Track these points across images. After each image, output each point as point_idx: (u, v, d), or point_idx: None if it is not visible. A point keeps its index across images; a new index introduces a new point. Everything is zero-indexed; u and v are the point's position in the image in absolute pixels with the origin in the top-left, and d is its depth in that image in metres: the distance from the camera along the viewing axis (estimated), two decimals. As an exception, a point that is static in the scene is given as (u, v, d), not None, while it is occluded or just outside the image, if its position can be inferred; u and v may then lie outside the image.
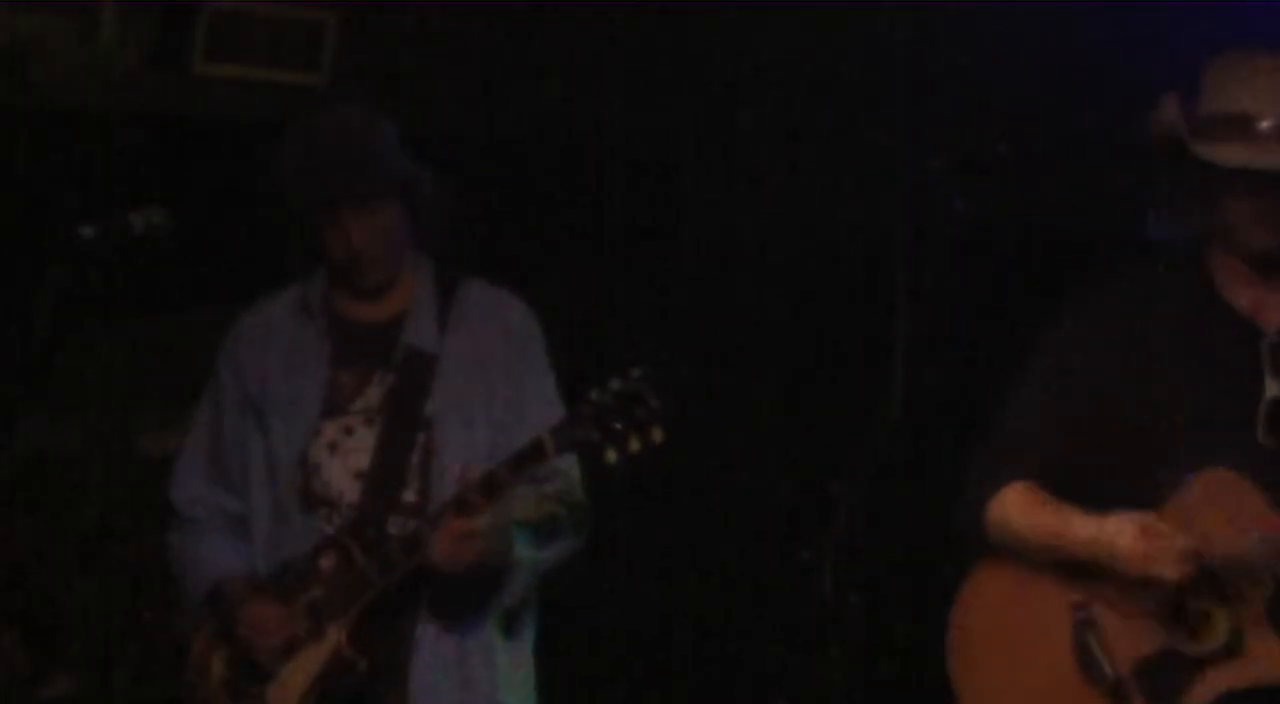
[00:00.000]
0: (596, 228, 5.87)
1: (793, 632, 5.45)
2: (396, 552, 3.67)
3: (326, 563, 3.74)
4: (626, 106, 5.78)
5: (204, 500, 3.97)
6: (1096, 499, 3.27)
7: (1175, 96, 3.25)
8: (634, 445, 3.46)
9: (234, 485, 3.94)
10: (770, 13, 5.56)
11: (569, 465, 3.81)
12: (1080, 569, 3.25)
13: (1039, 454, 3.33)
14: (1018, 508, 3.33)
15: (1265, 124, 3.15)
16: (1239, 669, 3.11)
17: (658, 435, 3.46)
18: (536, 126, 5.71)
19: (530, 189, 5.66)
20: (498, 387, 3.83)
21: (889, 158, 5.41)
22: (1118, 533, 3.18)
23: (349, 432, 3.81)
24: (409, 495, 3.78)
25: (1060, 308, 3.43)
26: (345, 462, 3.80)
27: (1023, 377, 3.41)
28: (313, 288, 3.92)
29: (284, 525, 3.83)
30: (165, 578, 5.59)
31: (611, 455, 3.47)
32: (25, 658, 5.41)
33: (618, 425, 3.45)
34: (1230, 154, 3.14)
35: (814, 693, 5.20)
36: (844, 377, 5.63)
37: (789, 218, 5.78)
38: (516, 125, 5.62)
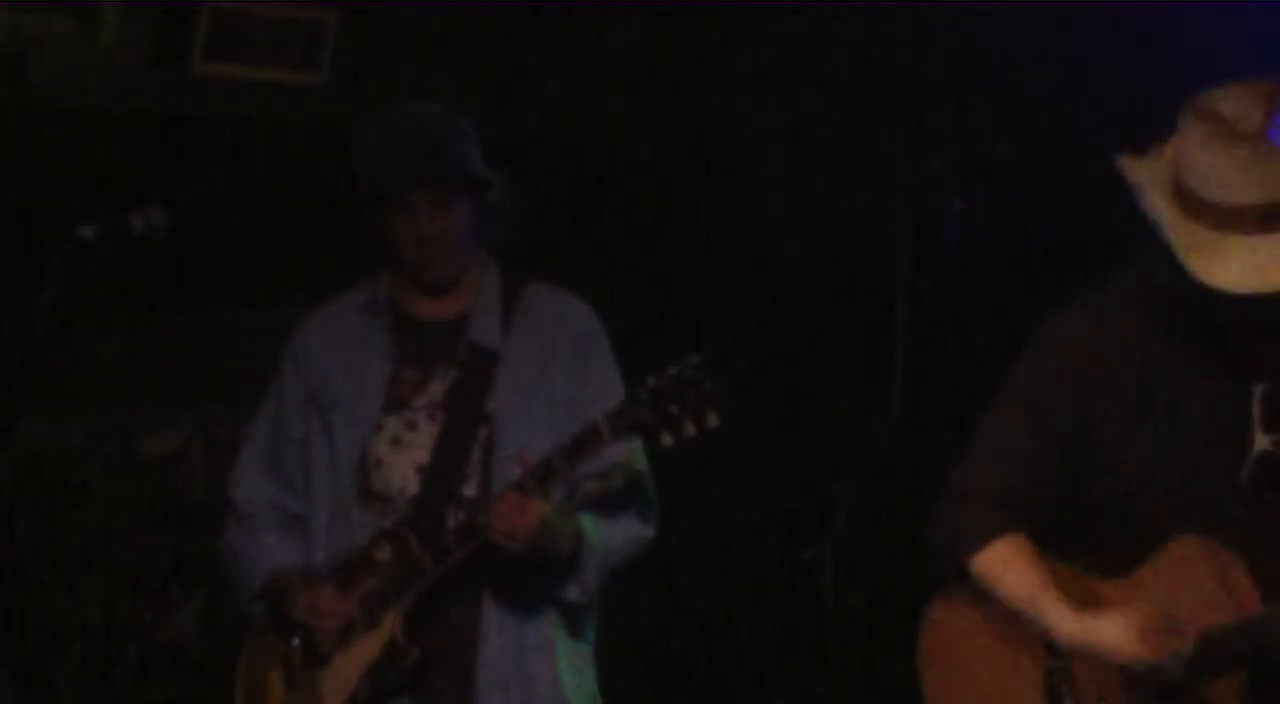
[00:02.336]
0: (596, 228, 5.87)
1: (793, 632, 5.45)
2: (453, 539, 3.68)
3: (382, 554, 3.76)
4: (626, 106, 5.78)
5: (261, 497, 3.99)
6: (1068, 534, 3.19)
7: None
8: (689, 429, 3.50)
9: (293, 482, 3.95)
10: (770, 13, 5.56)
11: (633, 458, 3.83)
12: None
13: (1020, 484, 3.21)
14: (1003, 570, 3.21)
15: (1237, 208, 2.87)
16: None
17: (713, 420, 3.50)
18: (537, 126, 5.72)
19: (529, 189, 5.66)
20: (559, 387, 3.85)
21: (889, 158, 5.41)
22: (1112, 638, 3.06)
23: (412, 426, 3.84)
24: (469, 490, 3.79)
25: (1052, 318, 3.27)
26: (407, 455, 3.82)
27: (1007, 391, 3.28)
28: (380, 286, 3.95)
29: (342, 521, 3.85)
30: (165, 578, 5.62)
31: (667, 439, 3.52)
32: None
33: (673, 409, 3.49)
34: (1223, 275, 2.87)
35: (814, 693, 5.20)
36: (844, 377, 5.63)
37: (789, 218, 5.78)
38: (516, 125, 5.62)
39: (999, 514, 3.23)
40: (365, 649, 3.76)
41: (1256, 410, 3.02)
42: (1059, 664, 3.17)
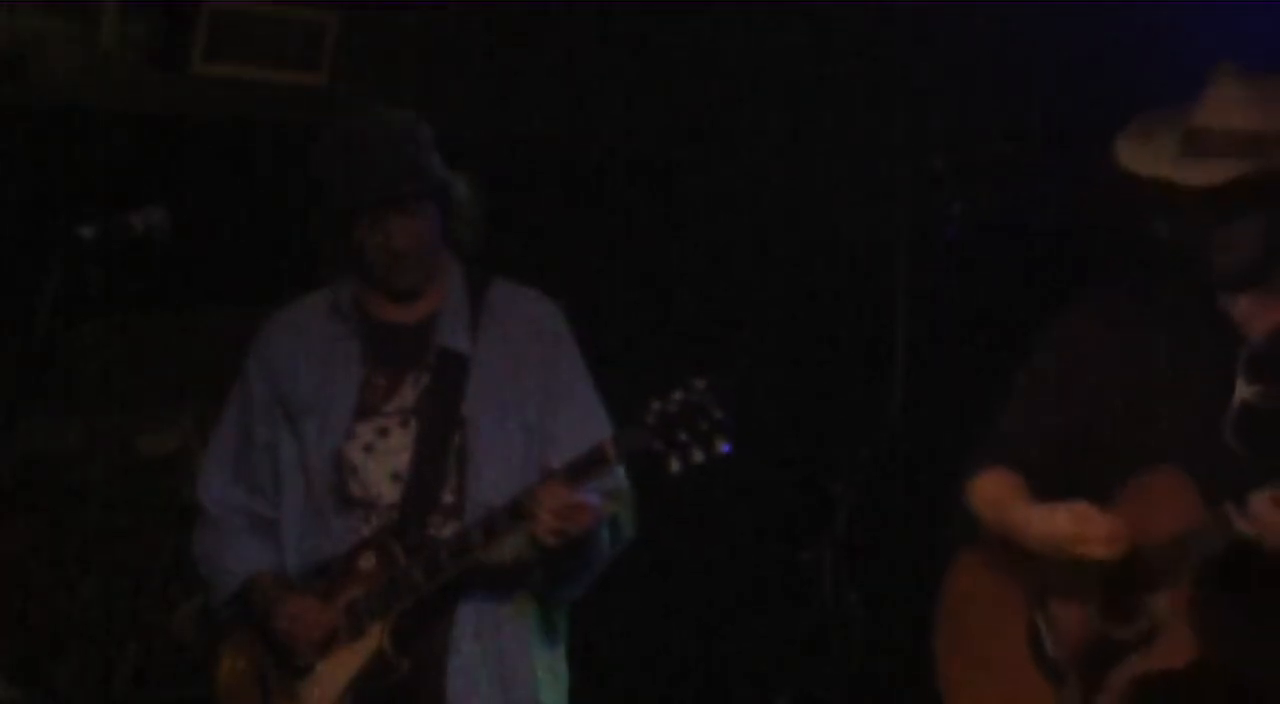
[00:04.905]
0: (596, 228, 5.87)
1: (793, 632, 5.45)
2: (445, 556, 3.67)
3: (366, 563, 3.75)
4: (626, 106, 5.78)
5: (230, 501, 3.97)
6: (1071, 487, 3.35)
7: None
8: (698, 457, 3.49)
9: (261, 487, 3.94)
10: (770, 12, 5.56)
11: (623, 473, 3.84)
12: (1039, 557, 3.34)
13: (1025, 460, 3.41)
14: (986, 499, 3.45)
15: (1189, 129, 3.19)
16: (1148, 657, 3.18)
17: (721, 447, 3.49)
18: (537, 126, 5.71)
19: (530, 189, 5.66)
20: (530, 387, 3.84)
21: (889, 158, 5.41)
22: (1053, 518, 3.26)
23: (384, 433, 3.82)
24: (447, 496, 3.78)
25: (1061, 312, 3.47)
26: (382, 462, 3.80)
27: (1018, 381, 3.48)
28: (343, 290, 3.93)
29: (319, 526, 3.83)
30: (165, 578, 5.61)
31: (674, 465, 3.50)
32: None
33: (682, 436, 3.48)
34: (1132, 157, 3.21)
35: (814, 693, 5.20)
36: (844, 376, 5.63)
37: (789, 218, 5.78)
38: (516, 125, 5.62)
39: (997, 457, 3.46)
40: (350, 659, 3.74)
41: (1242, 363, 3.22)
42: (1040, 599, 3.35)
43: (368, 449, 3.82)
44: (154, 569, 5.59)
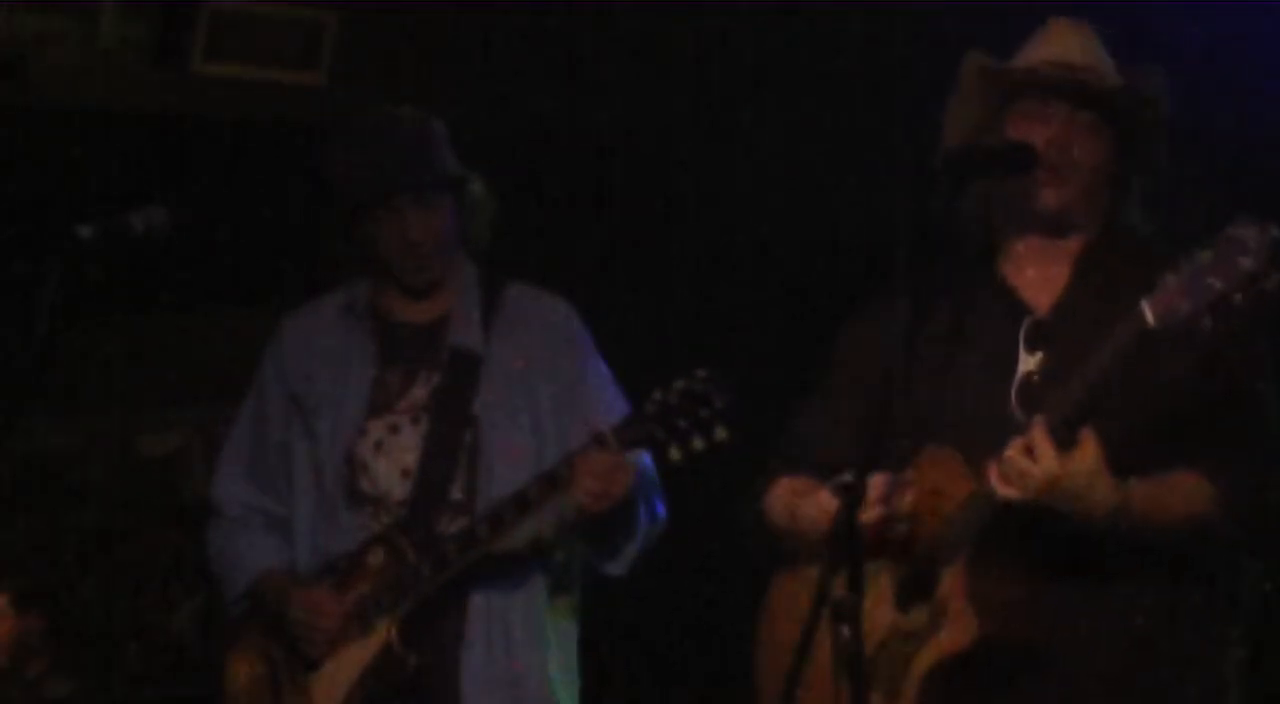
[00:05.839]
0: (596, 227, 5.87)
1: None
2: (451, 550, 3.68)
3: (374, 559, 3.77)
4: (626, 106, 5.78)
5: (244, 499, 3.99)
6: None
7: None
8: (698, 444, 3.53)
9: (275, 486, 3.95)
10: (771, 12, 5.56)
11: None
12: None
13: (818, 460, 3.37)
14: (778, 508, 3.42)
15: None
16: (938, 643, 3.14)
17: (721, 434, 3.52)
18: (536, 126, 5.71)
19: (530, 189, 5.66)
20: (541, 387, 3.85)
21: (889, 157, 5.41)
22: (819, 496, 3.25)
23: (395, 430, 3.84)
24: (456, 493, 3.80)
25: (854, 310, 3.52)
26: (392, 459, 3.82)
27: (815, 381, 3.49)
28: (357, 290, 3.94)
29: (329, 523, 3.85)
30: (165, 578, 5.61)
31: (675, 453, 3.54)
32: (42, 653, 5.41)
33: (682, 424, 3.51)
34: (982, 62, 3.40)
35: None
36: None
37: (789, 217, 5.78)
38: (516, 125, 5.62)
39: (789, 463, 3.43)
40: (358, 655, 3.75)
41: (1023, 336, 3.23)
42: (843, 602, 3.23)
43: (378, 446, 3.83)
44: (154, 569, 5.60)
